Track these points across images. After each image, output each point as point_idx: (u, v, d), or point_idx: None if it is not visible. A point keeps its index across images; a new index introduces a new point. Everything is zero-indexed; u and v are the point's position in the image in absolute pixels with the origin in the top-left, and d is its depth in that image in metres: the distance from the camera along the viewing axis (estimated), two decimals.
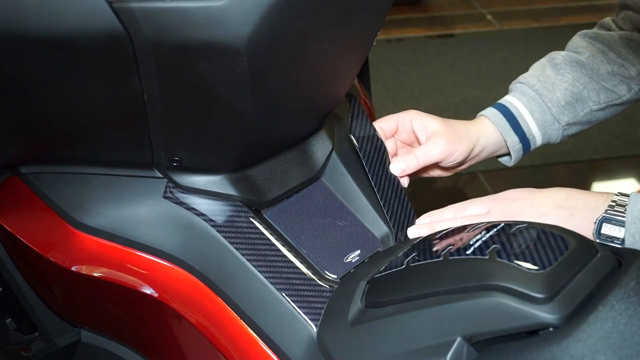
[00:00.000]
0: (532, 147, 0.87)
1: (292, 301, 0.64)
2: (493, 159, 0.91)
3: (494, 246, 0.56)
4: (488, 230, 0.59)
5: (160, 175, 0.68)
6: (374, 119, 0.92)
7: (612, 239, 0.65)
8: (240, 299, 0.66)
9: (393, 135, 0.83)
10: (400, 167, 0.77)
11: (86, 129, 0.65)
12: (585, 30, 0.92)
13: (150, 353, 0.78)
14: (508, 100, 0.86)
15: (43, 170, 0.71)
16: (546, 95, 0.85)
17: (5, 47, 0.54)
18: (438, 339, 0.53)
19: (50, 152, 0.70)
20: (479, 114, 0.87)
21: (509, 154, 0.87)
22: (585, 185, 2.31)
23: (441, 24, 3.52)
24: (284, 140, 0.72)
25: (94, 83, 0.58)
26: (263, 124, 0.65)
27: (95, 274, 0.70)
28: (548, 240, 0.55)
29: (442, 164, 0.81)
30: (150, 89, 0.58)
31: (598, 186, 2.34)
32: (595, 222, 0.66)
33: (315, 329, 0.63)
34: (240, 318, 0.65)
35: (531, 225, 0.58)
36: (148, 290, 0.69)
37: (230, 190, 0.68)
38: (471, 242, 0.58)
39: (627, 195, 0.67)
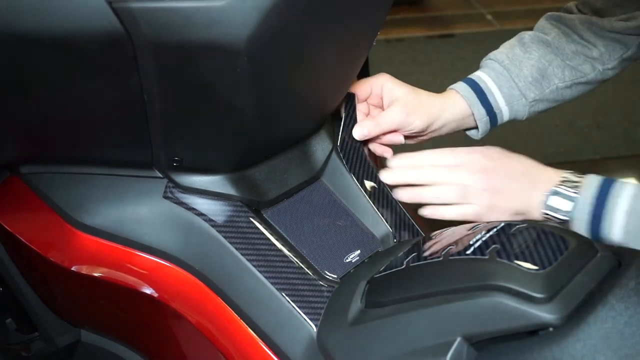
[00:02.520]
0: (500, 122, 0.90)
1: (292, 301, 0.64)
2: None
3: (494, 246, 0.56)
4: (488, 230, 0.59)
5: (160, 175, 0.68)
6: None
7: (556, 210, 0.70)
8: (240, 299, 0.66)
9: (366, 100, 0.85)
10: (362, 132, 0.79)
11: (86, 128, 0.65)
12: (551, 13, 0.96)
13: (150, 353, 0.78)
14: (477, 75, 0.90)
15: (43, 170, 0.72)
16: (513, 71, 0.88)
17: (5, 47, 0.54)
18: (438, 339, 0.53)
19: (50, 152, 0.70)
20: (449, 87, 0.89)
21: (476, 127, 0.89)
22: None
23: (441, 24, 3.52)
24: (284, 140, 0.72)
25: (94, 83, 0.58)
26: (263, 124, 0.65)
27: (95, 274, 0.70)
28: (548, 240, 0.55)
29: (401, 132, 0.83)
30: (150, 89, 0.58)
31: None
32: (545, 195, 0.71)
33: (315, 329, 0.63)
34: (240, 318, 0.65)
35: (531, 225, 0.59)
36: (148, 290, 0.69)
37: (230, 190, 0.68)
38: (471, 242, 0.58)
39: (581, 175, 0.72)
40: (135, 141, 0.65)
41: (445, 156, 0.75)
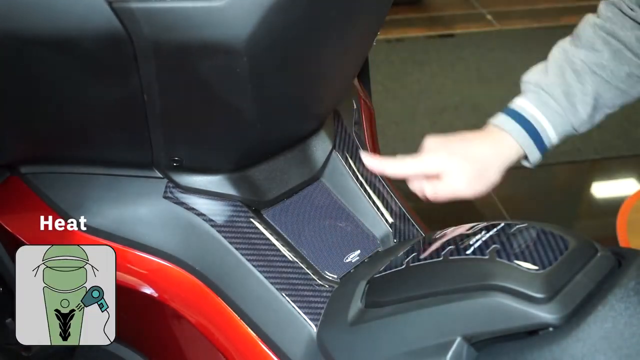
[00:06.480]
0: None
1: (292, 301, 0.64)
2: None
3: (494, 246, 0.56)
4: (488, 230, 0.59)
5: (160, 175, 0.68)
6: (374, 119, 0.92)
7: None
8: (240, 299, 0.66)
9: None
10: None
11: (86, 129, 0.65)
12: (595, 20, 0.86)
13: (150, 353, 0.78)
14: (531, 114, 0.83)
15: (43, 170, 0.71)
16: (570, 109, 0.83)
17: (6, 47, 0.54)
18: (438, 339, 0.53)
19: (50, 152, 0.70)
20: (498, 125, 0.82)
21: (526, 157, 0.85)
22: (585, 185, 2.31)
23: (441, 24, 3.52)
24: (283, 140, 0.72)
25: (94, 83, 0.58)
26: (263, 124, 0.65)
27: None
28: (548, 240, 0.55)
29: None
30: (150, 89, 0.58)
31: (598, 186, 2.34)
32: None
33: (315, 329, 0.63)
34: (240, 318, 0.65)
35: (531, 225, 0.59)
36: (148, 290, 0.69)
37: (230, 190, 0.68)
38: (471, 242, 0.58)
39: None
40: (135, 141, 0.65)
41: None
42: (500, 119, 0.82)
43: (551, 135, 0.83)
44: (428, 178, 0.78)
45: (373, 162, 0.77)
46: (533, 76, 0.85)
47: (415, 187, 0.78)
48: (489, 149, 0.80)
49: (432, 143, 0.80)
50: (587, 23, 0.86)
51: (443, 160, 0.77)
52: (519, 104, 0.83)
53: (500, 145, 0.81)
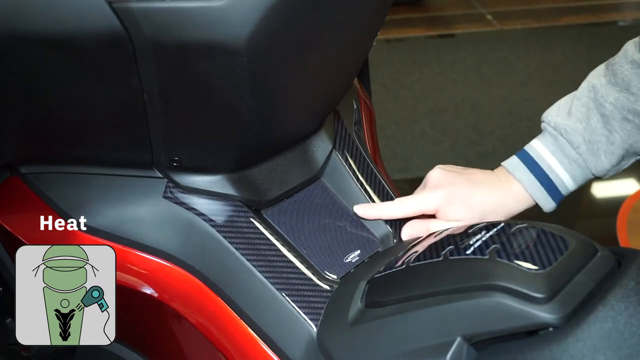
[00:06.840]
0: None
1: (292, 301, 0.64)
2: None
3: (494, 246, 0.56)
4: (488, 230, 0.59)
5: (160, 175, 0.68)
6: (374, 119, 0.92)
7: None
8: (240, 299, 0.66)
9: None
10: (409, 233, 0.73)
11: (86, 129, 0.65)
12: (634, 56, 0.74)
13: (150, 353, 0.78)
14: (547, 162, 0.76)
15: (43, 170, 0.72)
16: (591, 160, 0.75)
17: (5, 47, 0.54)
18: (438, 339, 0.53)
19: (50, 152, 0.70)
20: (512, 175, 0.77)
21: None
22: (585, 185, 2.31)
23: (441, 24, 3.52)
24: (284, 140, 0.72)
25: (94, 83, 0.58)
26: (263, 124, 0.65)
27: None
28: (548, 240, 0.55)
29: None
30: (150, 89, 0.58)
31: (598, 186, 2.35)
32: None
33: (315, 329, 0.63)
34: (240, 318, 0.65)
35: (531, 225, 0.59)
36: (148, 290, 0.69)
37: (230, 190, 0.68)
38: (471, 242, 0.58)
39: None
40: (135, 141, 0.65)
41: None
42: (513, 164, 0.77)
43: (568, 184, 0.77)
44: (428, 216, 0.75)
45: (368, 210, 0.74)
46: (554, 116, 0.77)
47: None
48: (495, 198, 0.75)
49: (437, 177, 0.76)
50: (625, 57, 0.75)
51: (442, 200, 0.74)
52: (535, 147, 0.77)
53: (507, 195, 0.76)
